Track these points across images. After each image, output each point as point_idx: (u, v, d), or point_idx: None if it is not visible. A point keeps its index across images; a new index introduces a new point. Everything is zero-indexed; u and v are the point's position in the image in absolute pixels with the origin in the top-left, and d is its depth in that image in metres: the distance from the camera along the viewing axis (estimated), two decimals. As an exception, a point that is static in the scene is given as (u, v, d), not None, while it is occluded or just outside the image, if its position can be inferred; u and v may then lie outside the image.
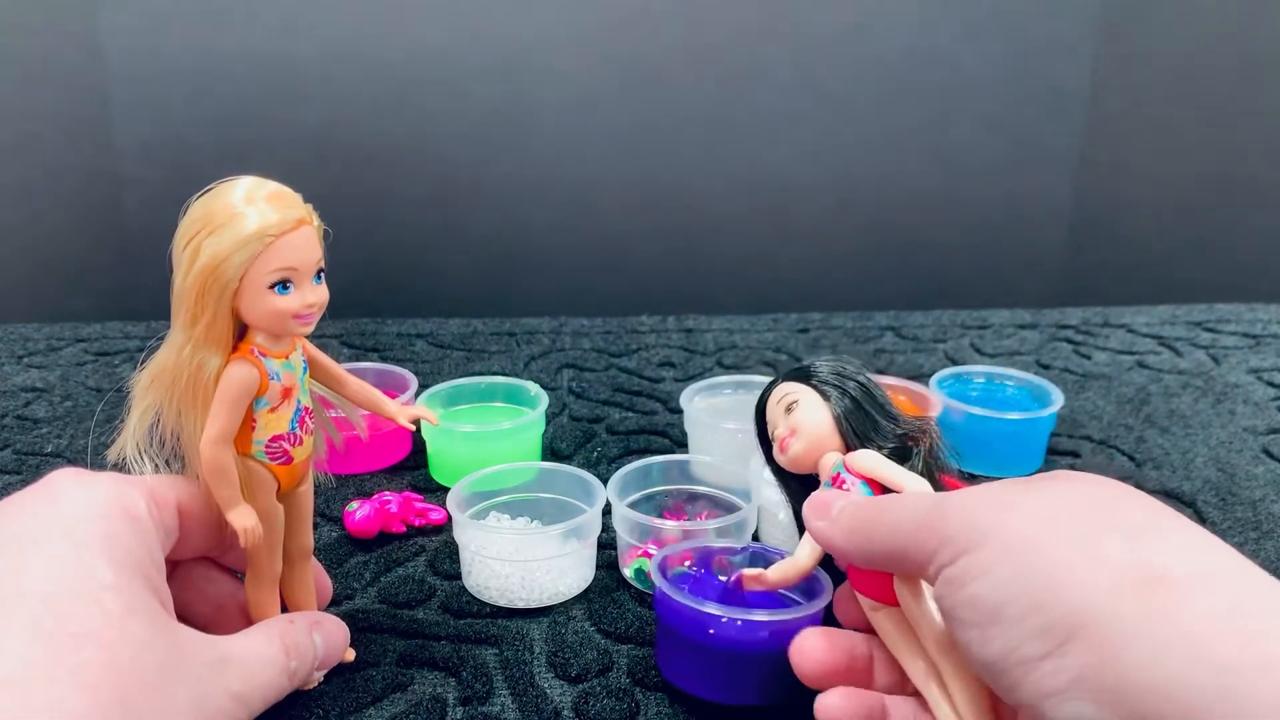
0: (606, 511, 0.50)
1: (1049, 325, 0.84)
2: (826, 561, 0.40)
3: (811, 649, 0.37)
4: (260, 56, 0.89)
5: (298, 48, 0.90)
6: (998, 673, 0.29)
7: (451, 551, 0.50)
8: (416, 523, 0.53)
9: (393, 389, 0.61)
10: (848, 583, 0.39)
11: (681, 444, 0.62)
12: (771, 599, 0.42)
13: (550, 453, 0.61)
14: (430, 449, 0.58)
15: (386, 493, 0.54)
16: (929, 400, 0.60)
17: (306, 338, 0.39)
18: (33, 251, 0.93)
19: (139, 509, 0.35)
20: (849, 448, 0.39)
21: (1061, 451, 0.62)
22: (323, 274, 0.37)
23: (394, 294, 0.94)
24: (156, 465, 0.37)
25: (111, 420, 0.38)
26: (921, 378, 0.66)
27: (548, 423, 0.63)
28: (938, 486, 0.39)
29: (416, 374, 0.63)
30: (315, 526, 0.52)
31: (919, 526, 0.32)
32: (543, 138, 0.95)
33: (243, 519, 0.37)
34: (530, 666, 0.43)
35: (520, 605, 0.47)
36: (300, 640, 0.39)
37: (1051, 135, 1.00)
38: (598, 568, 0.49)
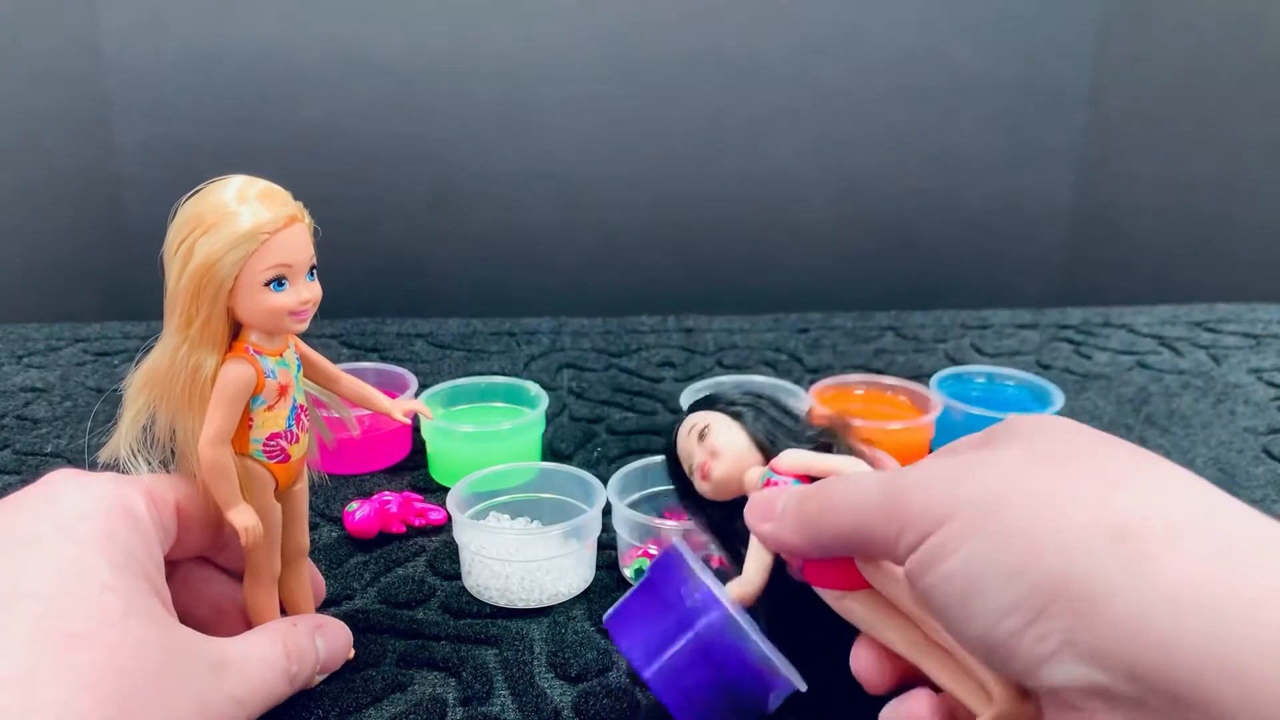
0: (606, 512, 0.50)
1: (1049, 325, 0.84)
2: (779, 571, 0.37)
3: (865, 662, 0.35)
4: (260, 56, 0.89)
5: (298, 48, 0.90)
6: (988, 649, 0.28)
7: (451, 551, 0.50)
8: (416, 523, 0.53)
9: (393, 389, 0.61)
10: (858, 645, 0.36)
11: (681, 444, 0.62)
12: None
13: (550, 453, 0.61)
14: (430, 449, 0.58)
15: (386, 493, 0.54)
16: (929, 400, 0.60)
17: (300, 336, 0.39)
18: (33, 251, 0.93)
19: (138, 509, 0.35)
20: (769, 459, 0.38)
21: (1062, 451, 0.62)
22: (315, 271, 0.37)
23: (394, 294, 0.94)
24: (151, 465, 0.37)
25: (110, 421, 0.38)
26: (922, 378, 0.66)
27: (548, 423, 0.63)
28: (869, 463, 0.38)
29: (416, 374, 0.63)
30: (314, 526, 0.52)
31: (875, 511, 0.31)
32: (543, 138, 0.95)
33: (243, 518, 0.37)
34: (530, 667, 0.43)
35: (520, 605, 0.47)
36: (302, 644, 0.39)
37: (1051, 135, 0.99)
38: (598, 568, 0.49)
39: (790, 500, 0.34)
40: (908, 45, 0.95)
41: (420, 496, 0.55)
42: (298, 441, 0.39)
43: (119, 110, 0.90)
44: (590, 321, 0.83)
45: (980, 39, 0.95)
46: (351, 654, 0.43)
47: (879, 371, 0.72)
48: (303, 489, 0.41)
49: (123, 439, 0.37)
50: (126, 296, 0.92)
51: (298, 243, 0.35)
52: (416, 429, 0.60)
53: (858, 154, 0.98)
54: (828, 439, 0.38)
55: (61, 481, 0.35)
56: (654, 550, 0.48)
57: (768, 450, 0.38)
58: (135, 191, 0.92)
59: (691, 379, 0.67)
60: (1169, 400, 0.70)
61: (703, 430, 0.39)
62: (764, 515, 0.35)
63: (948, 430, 0.59)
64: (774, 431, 0.38)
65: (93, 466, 0.37)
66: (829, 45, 0.95)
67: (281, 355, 0.37)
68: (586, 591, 0.48)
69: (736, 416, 0.39)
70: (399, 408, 0.42)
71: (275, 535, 0.39)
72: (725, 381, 0.66)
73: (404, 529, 0.53)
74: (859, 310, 0.87)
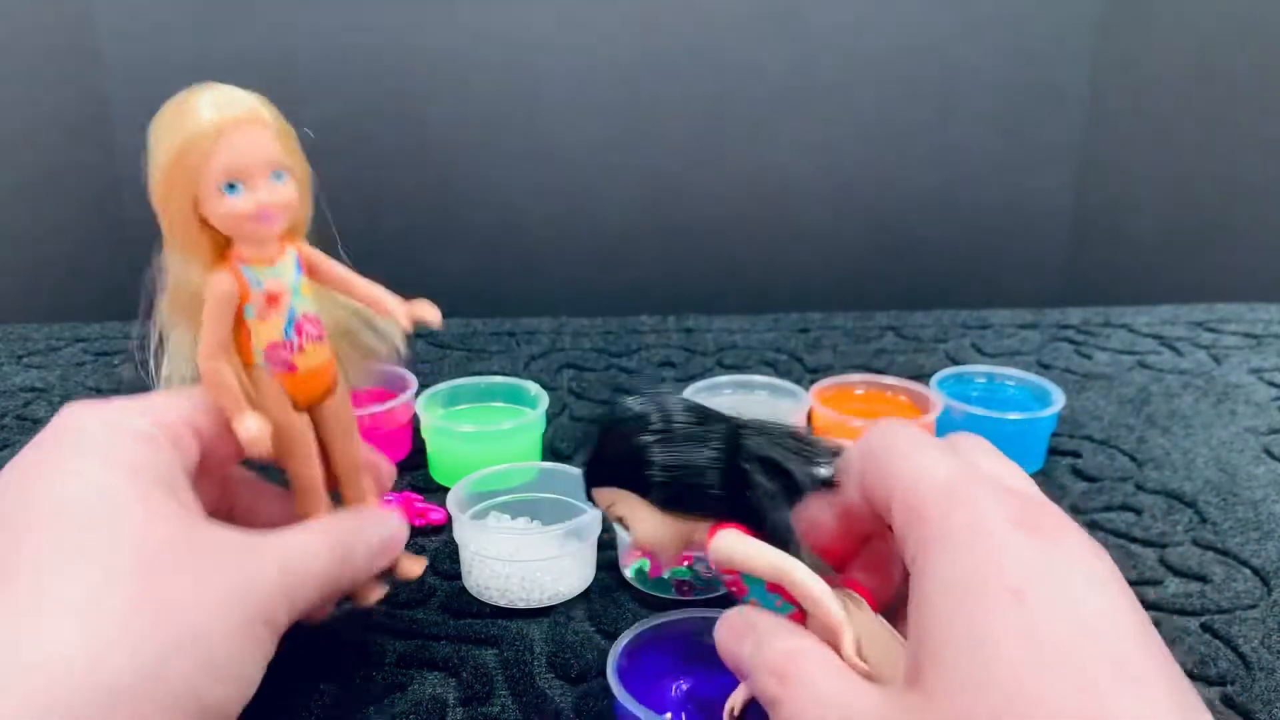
0: (607, 512, 0.50)
1: (1049, 325, 0.84)
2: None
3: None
4: (260, 57, 0.89)
5: (297, 48, 0.90)
6: None
7: (451, 551, 0.50)
8: (416, 523, 0.53)
9: (392, 389, 0.61)
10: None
11: (682, 444, 0.62)
12: None
13: (550, 453, 0.61)
14: (430, 449, 0.58)
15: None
16: (929, 400, 0.60)
17: (309, 241, 0.38)
18: (33, 251, 0.93)
19: (149, 430, 0.35)
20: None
21: (1062, 451, 0.62)
22: (285, 174, 0.35)
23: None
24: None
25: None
26: (922, 378, 0.66)
27: (548, 423, 0.63)
28: (793, 543, 0.33)
29: (416, 374, 0.63)
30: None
31: None
32: (543, 137, 0.95)
33: (244, 428, 0.36)
34: (530, 667, 0.43)
35: (520, 606, 0.46)
36: (344, 526, 0.38)
37: (1052, 135, 0.99)
38: (598, 568, 0.49)
39: (754, 675, 0.31)
40: (907, 44, 0.95)
41: (420, 496, 0.55)
42: (302, 351, 0.38)
43: (119, 111, 0.90)
44: (590, 321, 0.83)
45: (980, 38, 0.95)
46: (419, 570, 0.42)
47: (879, 371, 0.72)
48: (337, 404, 0.40)
49: (175, 364, 0.38)
50: (126, 296, 0.91)
51: (250, 144, 0.34)
52: (416, 429, 0.60)
53: (858, 154, 0.98)
54: (738, 483, 0.33)
55: (74, 412, 0.35)
56: (654, 550, 0.48)
57: (691, 517, 0.34)
58: (135, 192, 0.91)
59: (691, 379, 0.67)
60: (1169, 400, 0.70)
61: (619, 518, 0.35)
62: (733, 669, 0.33)
63: (948, 430, 0.59)
64: (687, 504, 0.34)
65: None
66: (829, 45, 0.95)
67: (273, 263, 0.36)
68: (586, 591, 0.48)
69: (645, 494, 0.34)
70: (407, 314, 0.41)
71: (302, 446, 0.38)
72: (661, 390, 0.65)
73: (404, 529, 0.53)
74: (859, 310, 0.87)
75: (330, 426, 0.40)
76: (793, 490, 0.33)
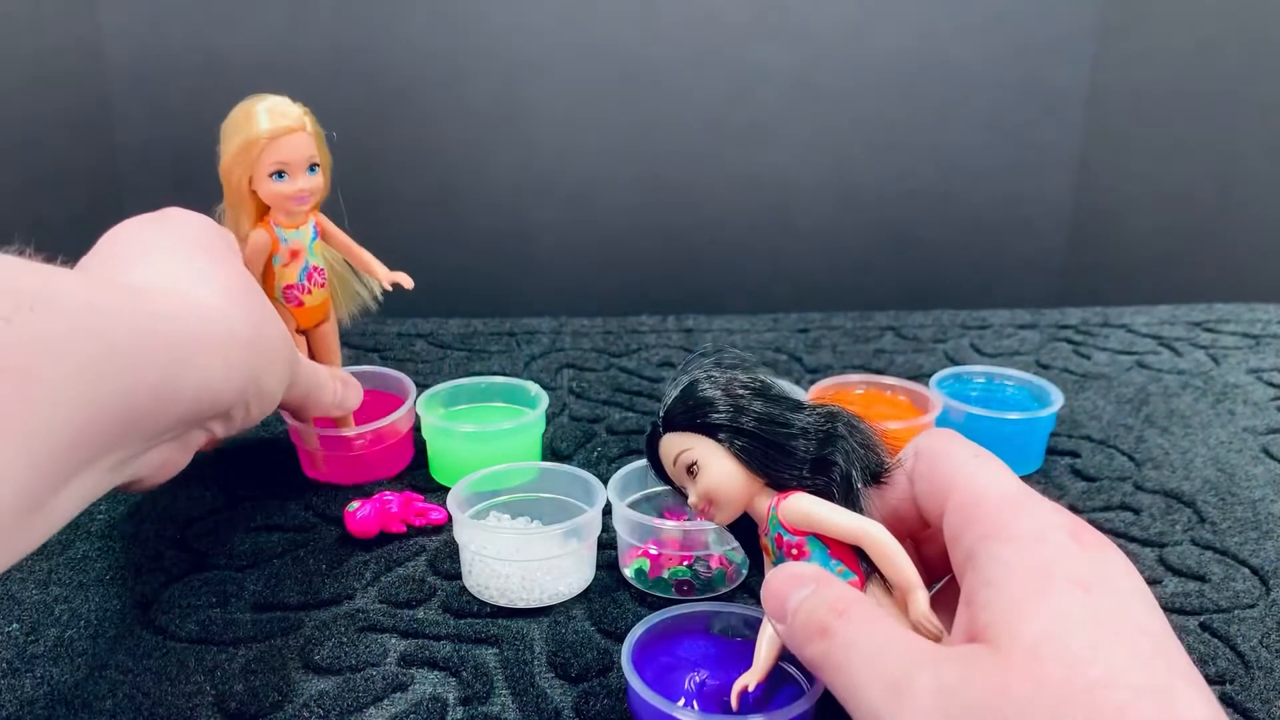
0: (607, 511, 0.50)
1: (1049, 325, 0.84)
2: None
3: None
4: (260, 57, 0.89)
5: (297, 48, 0.90)
6: None
7: (451, 551, 0.50)
8: (417, 523, 0.53)
9: (391, 393, 0.61)
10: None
11: (681, 444, 0.62)
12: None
13: (550, 453, 0.61)
14: (430, 449, 0.58)
15: (387, 493, 0.54)
16: (929, 400, 0.60)
17: (323, 213, 0.53)
18: (33, 252, 0.93)
19: (228, 232, 0.47)
20: (769, 483, 0.36)
21: (1061, 451, 0.62)
22: (317, 168, 0.50)
23: (394, 294, 0.94)
24: None
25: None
26: (921, 378, 0.66)
27: (548, 423, 0.63)
28: (860, 504, 0.35)
29: (416, 374, 0.63)
30: (314, 527, 0.53)
31: (885, 692, 0.29)
32: (543, 137, 0.95)
33: None
34: (530, 666, 0.43)
35: (520, 605, 0.47)
36: (328, 369, 0.52)
37: (1051, 135, 1.00)
38: (598, 568, 0.49)
39: (804, 614, 0.32)
40: (908, 46, 0.95)
41: (420, 496, 0.55)
42: (310, 293, 0.53)
43: (119, 110, 0.90)
44: (590, 321, 0.83)
45: (980, 39, 0.96)
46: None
47: (878, 371, 0.72)
48: (328, 329, 0.55)
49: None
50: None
51: (296, 146, 0.48)
52: (417, 429, 0.60)
53: (858, 154, 0.98)
54: (824, 451, 0.35)
55: (170, 208, 0.46)
56: (654, 550, 0.48)
57: (766, 480, 0.36)
58: (135, 192, 0.92)
59: (691, 379, 0.67)
60: (1168, 400, 0.70)
61: (690, 465, 0.36)
62: (776, 613, 0.33)
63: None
64: (769, 462, 0.35)
65: None
66: (829, 46, 0.95)
67: (298, 228, 0.51)
68: (586, 591, 0.48)
69: (725, 443, 0.35)
70: (389, 277, 0.54)
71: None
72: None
73: (404, 529, 0.53)
74: (859, 310, 0.87)
75: (320, 343, 0.56)
76: (870, 473, 0.35)
